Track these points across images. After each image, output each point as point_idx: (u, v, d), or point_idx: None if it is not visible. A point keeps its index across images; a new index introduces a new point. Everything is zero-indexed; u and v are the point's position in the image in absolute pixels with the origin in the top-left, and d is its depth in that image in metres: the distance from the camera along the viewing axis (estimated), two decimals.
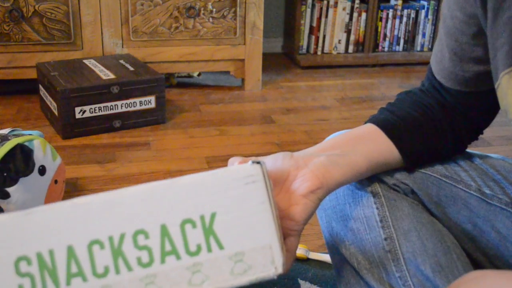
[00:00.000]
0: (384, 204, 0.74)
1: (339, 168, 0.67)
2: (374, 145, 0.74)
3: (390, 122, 0.76)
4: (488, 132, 0.83)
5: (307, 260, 1.21)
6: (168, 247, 0.50)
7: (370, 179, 0.76)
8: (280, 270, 0.52)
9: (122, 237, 0.49)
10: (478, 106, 0.77)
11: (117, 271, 0.48)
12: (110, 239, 0.49)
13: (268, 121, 2.04)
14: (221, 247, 0.51)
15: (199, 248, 0.50)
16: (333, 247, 0.81)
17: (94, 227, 0.49)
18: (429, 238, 0.72)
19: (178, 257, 0.50)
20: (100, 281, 0.48)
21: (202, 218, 0.51)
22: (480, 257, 0.77)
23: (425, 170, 0.78)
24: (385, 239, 0.72)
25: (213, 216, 0.51)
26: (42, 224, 0.48)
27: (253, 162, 0.53)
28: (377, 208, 0.74)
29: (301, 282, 1.14)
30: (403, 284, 0.70)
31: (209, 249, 0.51)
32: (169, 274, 0.49)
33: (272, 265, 0.52)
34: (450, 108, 0.78)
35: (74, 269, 0.48)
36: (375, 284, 0.73)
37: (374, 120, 0.77)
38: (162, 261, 0.50)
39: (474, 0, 0.67)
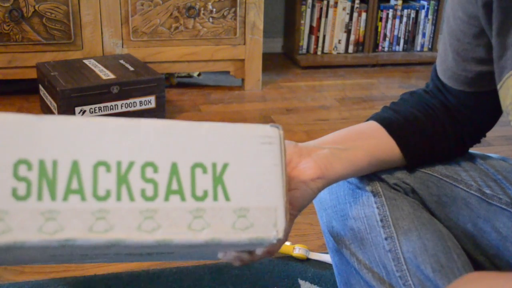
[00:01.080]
0: (384, 203, 0.74)
1: (341, 162, 0.67)
2: (376, 142, 0.74)
3: (393, 121, 0.76)
4: (488, 132, 0.83)
5: (307, 260, 1.21)
6: (174, 186, 0.49)
7: (371, 178, 0.76)
8: (281, 235, 0.52)
9: (130, 165, 0.47)
10: (480, 108, 0.77)
11: (119, 198, 0.47)
12: (118, 164, 0.47)
13: (268, 121, 2.04)
14: (227, 198, 0.50)
15: (205, 194, 0.49)
16: (333, 247, 0.81)
17: (105, 148, 0.47)
18: (430, 238, 0.72)
19: (183, 198, 0.49)
20: (99, 203, 0.46)
21: (214, 165, 0.50)
22: (481, 257, 0.77)
23: (426, 170, 0.78)
24: (386, 238, 0.72)
25: (225, 166, 0.51)
26: (52, 132, 0.46)
27: (271, 125, 0.53)
28: (377, 208, 0.74)
29: (301, 282, 1.14)
30: (403, 284, 0.70)
31: (215, 198, 0.50)
32: (170, 213, 0.48)
33: (274, 228, 0.51)
34: (453, 109, 0.78)
35: (74, 185, 0.45)
36: (375, 284, 0.73)
37: (376, 117, 0.77)
38: (166, 198, 0.48)
39: (475, 1, 0.67)
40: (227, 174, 0.50)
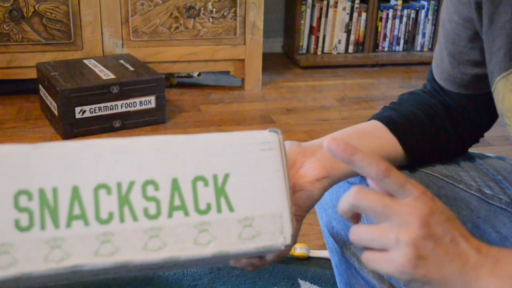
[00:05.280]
0: None
1: None
2: (378, 140, 0.74)
3: (394, 119, 0.76)
4: (488, 132, 0.83)
5: (307, 260, 1.21)
6: (177, 202, 0.48)
7: None
8: (288, 241, 0.51)
9: (131, 185, 0.47)
10: (478, 109, 0.77)
11: (122, 220, 0.46)
12: (119, 185, 0.47)
13: (268, 121, 2.04)
14: (231, 209, 0.50)
15: (208, 207, 0.49)
16: (333, 247, 0.81)
17: (104, 171, 0.47)
18: None
19: (187, 214, 0.48)
20: (102, 227, 0.46)
21: (215, 177, 0.50)
22: None
23: (426, 170, 0.78)
24: None
25: (226, 176, 0.50)
26: (49, 159, 0.45)
27: (270, 130, 0.53)
28: None
29: (301, 282, 1.14)
30: (404, 284, 0.70)
31: (219, 210, 0.49)
32: (175, 230, 0.48)
33: (281, 234, 0.51)
34: (452, 109, 0.78)
35: (76, 211, 0.45)
36: (376, 283, 0.73)
37: (378, 117, 0.77)
38: (170, 215, 0.48)
39: (469, 4, 0.68)
40: (229, 185, 0.50)
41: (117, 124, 1.87)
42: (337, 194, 0.79)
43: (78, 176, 0.46)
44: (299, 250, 1.21)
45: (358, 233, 0.49)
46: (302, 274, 1.16)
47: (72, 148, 0.47)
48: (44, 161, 0.46)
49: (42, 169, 0.45)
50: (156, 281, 1.12)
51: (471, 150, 0.84)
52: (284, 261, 1.20)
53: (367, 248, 0.49)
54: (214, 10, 2.18)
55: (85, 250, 0.45)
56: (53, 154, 0.46)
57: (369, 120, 0.78)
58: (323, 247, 1.27)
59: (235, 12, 2.20)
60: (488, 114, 0.78)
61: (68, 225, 0.45)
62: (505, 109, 0.66)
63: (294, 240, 0.53)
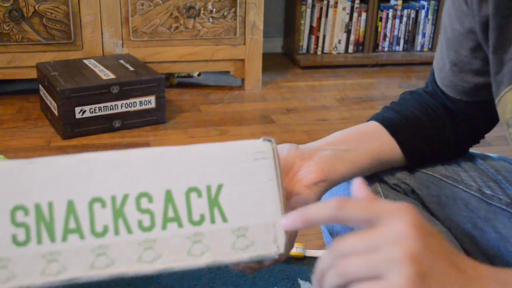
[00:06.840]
0: None
1: (344, 163, 0.67)
2: (377, 143, 0.74)
3: (393, 121, 0.76)
4: (488, 133, 0.83)
5: (307, 260, 1.21)
6: (171, 214, 0.49)
7: (371, 178, 0.76)
8: (282, 250, 0.52)
9: (125, 198, 0.48)
10: (479, 115, 0.77)
11: (116, 232, 0.47)
12: (113, 198, 0.47)
13: (268, 121, 2.04)
14: (224, 219, 0.50)
15: (202, 218, 0.50)
16: None
17: (98, 185, 0.47)
18: None
19: (180, 225, 0.49)
20: (98, 240, 0.47)
21: (208, 188, 0.50)
22: (480, 257, 0.77)
23: (426, 170, 0.78)
24: None
25: (219, 187, 0.50)
26: (44, 175, 0.46)
27: (264, 139, 0.53)
28: None
29: (301, 282, 1.14)
30: None
31: (213, 220, 0.50)
32: (169, 241, 0.48)
33: (275, 243, 0.51)
34: (452, 112, 0.78)
35: (72, 225, 0.46)
36: None
37: (377, 118, 0.77)
38: (164, 227, 0.48)
39: (472, 17, 0.67)
40: (222, 195, 0.50)
41: (117, 124, 1.87)
42: (337, 195, 0.79)
43: (73, 191, 0.47)
44: (295, 249, 1.22)
45: (345, 267, 0.41)
46: (302, 274, 1.16)
47: (66, 162, 0.47)
48: (39, 176, 0.46)
49: (38, 184, 0.46)
50: (156, 281, 1.12)
51: (472, 150, 0.84)
52: (284, 261, 1.20)
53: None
54: (214, 10, 2.18)
55: (81, 263, 0.46)
56: (48, 169, 0.47)
57: (368, 120, 0.78)
58: (322, 247, 1.27)
59: (235, 12, 2.20)
60: (489, 119, 0.78)
61: (64, 239, 0.46)
62: None
63: (289, 248, 0.53)
